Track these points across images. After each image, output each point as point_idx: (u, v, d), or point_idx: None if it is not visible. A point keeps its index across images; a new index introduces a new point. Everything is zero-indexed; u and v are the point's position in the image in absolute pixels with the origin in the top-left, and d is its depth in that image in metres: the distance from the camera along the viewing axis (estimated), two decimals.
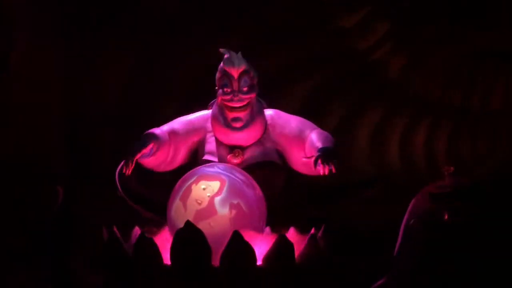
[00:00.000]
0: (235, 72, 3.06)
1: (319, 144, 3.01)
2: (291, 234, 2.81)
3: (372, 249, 2.93)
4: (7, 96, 4.39)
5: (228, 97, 3.05)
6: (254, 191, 2.85)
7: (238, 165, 3.05)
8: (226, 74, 3.06)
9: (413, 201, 3.15)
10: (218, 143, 3.11)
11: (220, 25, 4.95)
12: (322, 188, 5.43)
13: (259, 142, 3.12)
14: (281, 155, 3.16)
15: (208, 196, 2.71)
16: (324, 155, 2.90)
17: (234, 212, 2.68)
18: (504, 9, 5.44)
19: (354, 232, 3.23)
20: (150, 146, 3.00)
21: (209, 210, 2.68)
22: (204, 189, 2.73)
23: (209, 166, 2.94)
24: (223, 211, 2.68)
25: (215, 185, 2.74)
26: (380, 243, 3.18)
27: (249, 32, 5.05)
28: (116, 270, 2.54)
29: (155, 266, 2.48)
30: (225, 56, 3.12)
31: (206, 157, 3.10)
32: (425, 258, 2.86)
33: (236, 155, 3.07)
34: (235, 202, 2.70)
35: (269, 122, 3.19)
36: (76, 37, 4.56)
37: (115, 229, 2.71)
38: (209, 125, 3.17)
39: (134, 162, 2.96)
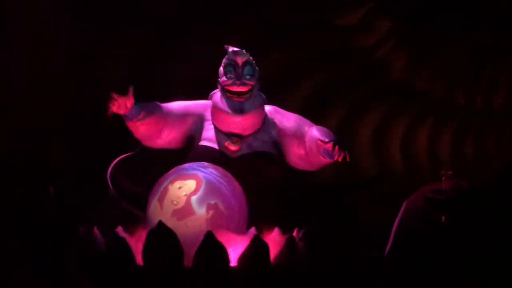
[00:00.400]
0: (239, 60, 3.15)
1: (324, 137, 3.05)
2: (275, 235, 2.76)
3: (363, 252, 2.87)
4: (6, 95, 4.37)
5: (231, 81, 3.13)
6: (234, 191, 2.80)
7: (235, 152, 3.09)
8: (230, 63, 3.16)
9: (405, 203, 3.13)
10: (217, 130, 3.16)
11: (221, 24, 4.91)
12: (322, 187, 5.42)
13: (257, 133, 3.16)
14: (278, 149, 3.20)
15: (185, 195, 2.66)
16: (340, 142, 2.95)
17: (211, 212, 2.63)
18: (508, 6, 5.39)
19: (349, 233, 3.17)
20: (131, 100, 3.04)
21: (186, 210, 2.63)
22: (179, 188, 2.68)
23: (187, 165, 2.89)
24: (200, 211, 2.63)
25: (191, 183, 2.69)
26: (374, 245, 3.13)
27: (250, 31, 5.00)
28: (89, 269, 2.50)
29: (127, 266, 2.43)
30: (230, 49, 3.23)
31: (203, 143, 3.15)
32: (418, 260, 2.83)
33: (234, 141, 3.11)
34: (212, 202, 2.65)
35: (268, 115, 3.25)
36: (77, 36, 4.54)
37: (95, 227, 2.66)
38: (208, 113, 3.23)
39: (117, 103, 3.02)
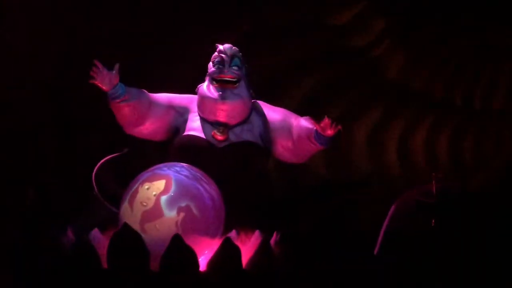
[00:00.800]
0: (228, 53, 3.21)
1: (312, 126, 3.09)
2: (255, 238, 2.65)
3: (349, 256, 2.77)
4: None
5: (219, 69, 3.17)
6: (210, 193, 2.70)
7: (221, 142, 3.09)
8: (219, 54, 3.22)
9: (394, 205, 3.07)
10: (203, 121, 3.16)
11: (216, 25, 4.84)
12: (317, 186, 5.35)
13: (244, 124, 3.17)
14: (265, 141, 3.20)
15: (154, 195, 2.57)
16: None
17: (182, 214, 2.53)
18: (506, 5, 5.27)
19: (333, 235, 3.10)
20: (116, 77, 3.07)
21: (156, 211, 2.54)
22: (148, 189, 2.59)
23: (160, 165, 2.80)
24: (170, 214, 2.53)
25: (159, 184, 2.60)
26: (362, 248, 3.05)
27: (245, 32, 4.93)
28: (56, 271, 2.42)
29: (92, 269, 2.35)
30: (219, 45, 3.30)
31: (188, 132, 3.14)
32: (407, 262, 2.76)
33: (221, 131, 3.11)
34: (183, 204, 2.55)
35: (255, 108, 3.26)
36: (68, 36, 4.48)
37: (68, 229, 2.59)
38: (193, 106, 3.24)
39: (100, 74, 3.04)
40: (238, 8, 4.93)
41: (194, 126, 3.16)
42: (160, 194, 2.56)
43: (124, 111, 3.11)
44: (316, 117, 5.07)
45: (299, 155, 3.24)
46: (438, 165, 6.15)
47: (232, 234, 2.71)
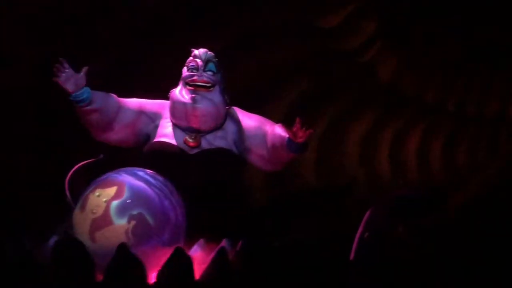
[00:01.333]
0: (203, 56, 3.10)
1: (285, 134, 2.97)
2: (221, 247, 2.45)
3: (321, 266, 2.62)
4: None
5: (192, 73, 3.06)
6: (170, 200, 2.54)
7: (194, 148, 2.97)
8: (194, 59, 3.11)
9: (368, 212, 2.94)
10: (175, 126, 3.04)
11: (203, 29, 4.72)
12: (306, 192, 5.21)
13: (217, 131, 3.05)
14: (239, 148, 3.08)
15: (105, 201, 2.42)
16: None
17: (133, 223, 2.37)
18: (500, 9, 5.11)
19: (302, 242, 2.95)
20: (83, 80, 2.95)
21: (105, 219, 2.39)
22: (98, 196, 2.45)
23: (116, 171, 2.64)
24: (120, 222, 2.38)
25: (110, 191, 2.45)
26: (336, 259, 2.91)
27: (234, 35, 4.80)
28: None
29: (32, 278, 2.22)
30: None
31: (159, 139, 3.01)
32: (379, 272, 2.63)
33: (193, 137, 2.99)
34: (135, 212, 2.39)
35: (230, 115, 3.13)
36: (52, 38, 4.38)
37: (21, 236, 2.45)
38: (165, 111, 3.11)
39: (65, 73, 2.91)
40: (228, 11, 4.81)
41: (166, 132, 3.02)
42: (111, 200, 2.42)
43: (90, 116, 2.97)
44: (307, 123, 4.93)
45: (274, 163, 3.10)
46: (430, 171, 6.00)
47: (200, 243, 2.58)
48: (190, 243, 2.65)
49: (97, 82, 3.33)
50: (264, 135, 3.06)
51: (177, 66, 3.82)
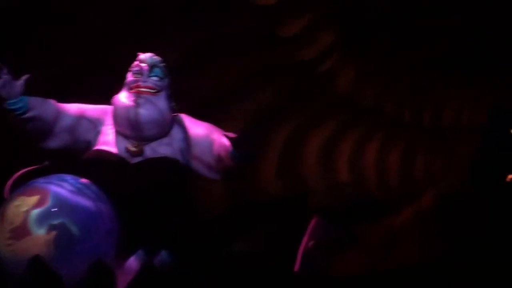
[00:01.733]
0: (148, 61, 2.95)
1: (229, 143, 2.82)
2: (159, 259, 2.39)
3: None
4: None
5: (137, 78, 2.91)
6: (99, 210, 2.40)
7: (136, 156, 2.83)
8: (139, 63, 2.96)
9: (311, 223, 2.89)
10: (117, 134, 2.89)
11: (160, 38, 4.63)
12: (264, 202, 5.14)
13: (163, 138, 2.90)
14: (185, 156, 2.94)
15: (24, 211, 2.28)
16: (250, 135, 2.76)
17: (54, 233, 2.23)
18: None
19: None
20: (20, 87, 2.78)
21: (23, 229, 2.24)
22: (18, 205, 2.30)
23: (41, 179, 2.49)
24: (39, 232, 2.24)
25: (32, 199, 2.31)
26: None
27: (190, 45, 4.72)
28: None
29: None
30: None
31: (98, 147, 2.86)
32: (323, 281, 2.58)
33: (135, 145, 2.86)
34: (56, 222, 2.24)
35: (177, 121, 2.98)
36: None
37: None
38: (107, 118, 2.95)
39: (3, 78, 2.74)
40: (184, 21, 4.72)
41: (107, 140, 2.87)
42: (31, 209, 2.27)
43: (26, 125, 2.81)
44: (266, 133, 4.84)
45: (221, 172, 2.97)
46: (388, 181, 5.99)
47: (138, 254, 2.44)
48: (128, 254, 2.56)
49: (45, 88, 3.23)
50: (211, 144, 2.93)
51: None
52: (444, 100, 5.65)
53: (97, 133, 2.94)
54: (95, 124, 2.95)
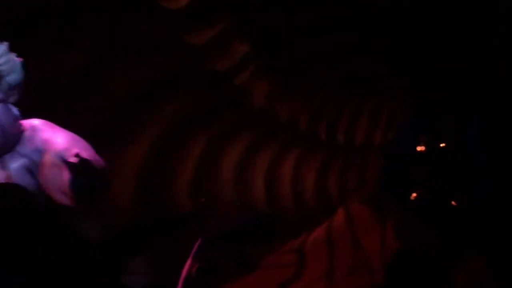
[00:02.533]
0: None
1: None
2: None
3: None
4: None
5: None
6: None
7: None
8: None
9: (197, 243, 2.62)
10: None
11: (66, 43, 4.25)
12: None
13: (13, 152, 2.42)
14: (35, 177, 2.43)
15: None
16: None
17: None
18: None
19: None
20: None
21: None
22: None
23: None
24: None
25: None
26: None
27: (97, 51, 4.35)
28: None
29: None
30: None
31: None
32: None
33: None
34: None
35: (27, 133, 2.48)
36: None
37: None
38: None
39: None
40: (89, 24, 4.35)
41: None
42: None
43: None
44: (178, 148, 4.46)
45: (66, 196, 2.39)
46: (303, 196, 5.82)
47: None
48: None
49: None
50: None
51: None
52: (357, 116, 5.54)
53: None
54: None
